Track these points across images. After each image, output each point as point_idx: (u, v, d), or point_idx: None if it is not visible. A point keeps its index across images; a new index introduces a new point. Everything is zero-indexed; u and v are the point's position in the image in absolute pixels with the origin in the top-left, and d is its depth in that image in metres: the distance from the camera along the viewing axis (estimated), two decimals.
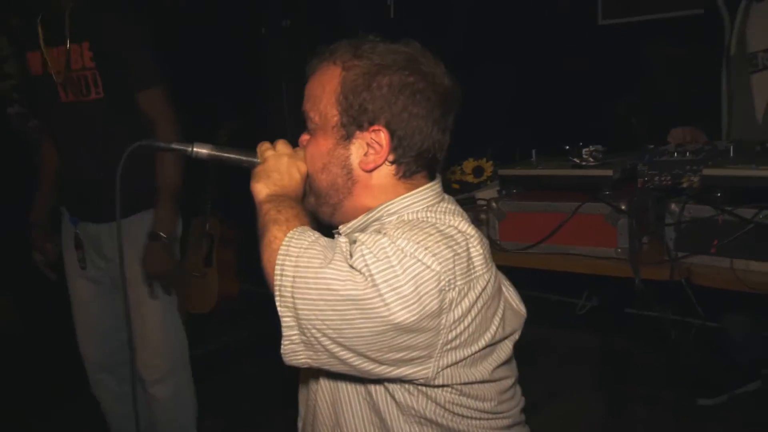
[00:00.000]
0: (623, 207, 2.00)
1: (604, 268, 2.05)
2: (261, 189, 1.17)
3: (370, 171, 1.16)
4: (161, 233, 2.18)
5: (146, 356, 2.32)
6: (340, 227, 1.23)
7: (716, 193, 1.90)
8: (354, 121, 1.13)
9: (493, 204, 2.21)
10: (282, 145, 1.23)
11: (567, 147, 2.28)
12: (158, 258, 2.19)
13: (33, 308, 4.01)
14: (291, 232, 1.04)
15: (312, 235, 1.05)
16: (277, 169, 1.19)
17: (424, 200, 1.18)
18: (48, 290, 3.79)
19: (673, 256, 1.93)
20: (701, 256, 1.90)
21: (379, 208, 1.17)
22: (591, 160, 2.16)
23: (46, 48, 2.11)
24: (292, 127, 4.06)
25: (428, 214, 1.15)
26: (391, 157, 1.14)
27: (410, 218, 1.14)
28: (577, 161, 2.17)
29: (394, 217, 1.16)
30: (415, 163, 1.16)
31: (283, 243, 1.03)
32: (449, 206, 1.20)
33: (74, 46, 2.08)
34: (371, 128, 1.13)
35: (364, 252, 1.00)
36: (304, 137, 1.23)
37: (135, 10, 2.13)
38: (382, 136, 1.13)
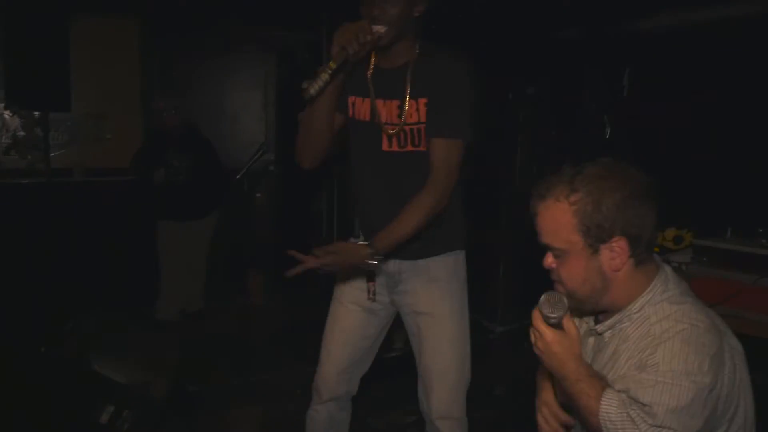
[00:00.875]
0: None
1: None
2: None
3: (618, 270, 1.45)
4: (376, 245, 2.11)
5: (442, 391, 2.26)
6: (598, 327, 1.53)
7: None
8: (597, 240, 1.42)
9: (683, 267, 2.59)
10: (548, 337, 1.42)
11: (760, 230, 2.60)
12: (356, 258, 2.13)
13: None
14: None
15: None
16: (560, 365, 1.43)
17: (660, 291, 1.46)
18: None
19: None
20: None
21: (630, 308, 1.46)
22: None
23: (376, 98, 2.16)
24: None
25: (672, 310, 1.42)
26: (631, 254, 1.43)
27: (661, 322, 1.41)
28: (765, 242, 2.48)
29: (643, 311, 1.46)
30: (646, 251, 1.47)
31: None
32: (677, 290, 1.47)
33: (411, 101, 2.11)
34: (611, 239, 1.42)
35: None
36: (551, 261, 1.50)
37: (464, 58, 2.13)
38: (622, 242, 1.42)
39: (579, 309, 1.54)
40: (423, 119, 2.12)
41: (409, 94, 2.09)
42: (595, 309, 1.54)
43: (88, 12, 4.68)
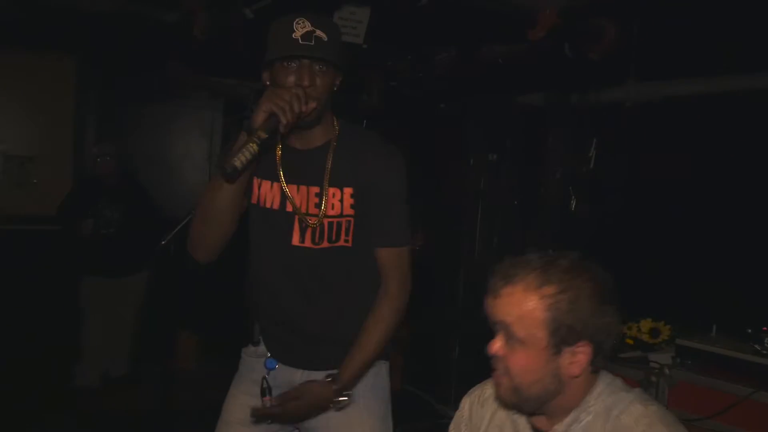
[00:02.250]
0: None
1: None
2: None
3: (575, 377, 1.33)
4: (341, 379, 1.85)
5: None
6: (555, 426, 1.37)
7: None
8: (563, 341, 1.30)
9: (666, 370, 2.34)
10: None
11: (749, 331, 2.38)
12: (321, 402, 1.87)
13: None
14: None
15: None
16: None
17: (610, 380, 1.38)
18: None
19: None
20: None
21: (585, 402, 1.35)
22: None
23: (288, 184, 1.85)
24: None
25: (632, 396, 1.34)
26: (591, 361, 1.32)
27: (629, 410, 1.32)
28: (758, 348, 2.26)
29: (602, 401, 1.35)
30: (604, 359, 1.34)
31: None
32: (618, 383, 1.39)
33: (333, 189, 1.83)
34: (578, 344, 1.30)
35: None
36: (499, 347, 1.35)
37: (396, 148, 1.90)
38: (587, 349, 1.30)
39: (517, 406, 1.39)
40: (347, 212, 1.84)
41: (330, 181, 1.82)
42: (536, 410, 1.39)
43: (23, 46, 4.38)
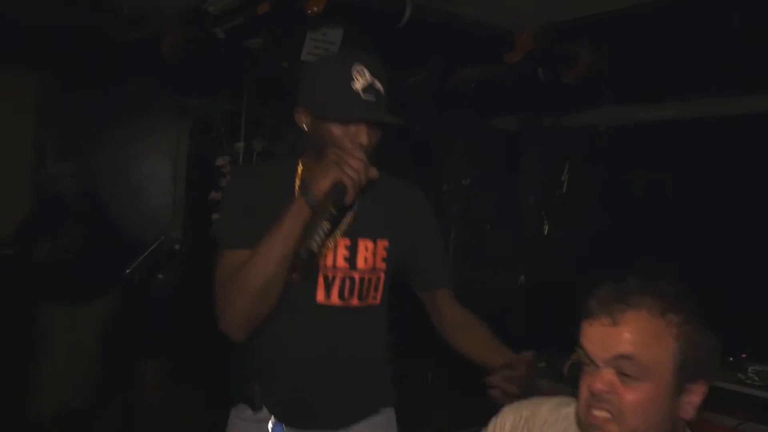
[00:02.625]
0: None
1: None
2: None
3: (688, 419, 1.19)
4: None
5: None
6: None
7: None
8: (688, 378, 1.15)
9: None
10: None
11: (731, 359, 2.35)
12: None
13: None
14: None
15: None
16: None
17: None
18: None
19: None
20: None
21: None
22: (756, 379, 2.21)
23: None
24: None
25: None
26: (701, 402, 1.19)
27: None
28: (742, 377, 2.22)
29: None
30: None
31: None
32: None
33: (366, 241, 1.70)
34: (699, 380, 1.17)
35: None
36: (610, 381, 1.16)
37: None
38: (705, 388, 1.18)
39: None
40: (379, 265, 1.70)
41: (362, 233, 1.68)
42: None
43: None
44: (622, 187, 3.80)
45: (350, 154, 1.47)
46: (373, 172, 1.51)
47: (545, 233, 4.00)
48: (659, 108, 3.60)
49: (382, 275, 1.72)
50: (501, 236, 4.13)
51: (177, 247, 5.00)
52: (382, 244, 1.71)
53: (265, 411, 1.75)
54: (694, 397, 1.16)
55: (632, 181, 3.75)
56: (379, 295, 1.73)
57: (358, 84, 1.48)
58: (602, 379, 1.16)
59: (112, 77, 4.41)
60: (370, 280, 1.70)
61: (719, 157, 3.41)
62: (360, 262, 1.68)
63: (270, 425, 1.74)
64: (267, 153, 4.54)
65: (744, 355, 2.40)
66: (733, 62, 3.25)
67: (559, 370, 2.92)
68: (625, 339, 1.15)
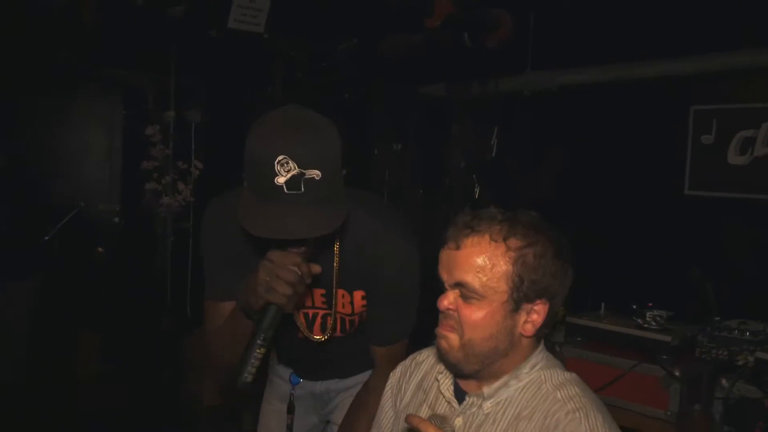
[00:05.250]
0: (677, 373, 2.16)
1: (651, 428, 2.18)
2: None
3: (528, 337, 1.28)
4: None
5: None
6: (484, 388, 1.31)
7: (767, 377, 2.03)
8: (524, 297, 1.24)
9: (557, 348, 2.41)
10: None
11: (634, 306, 2.48)
12: None
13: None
14: None
15: None
16: None
17: (547, 356, 1.34)
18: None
19: (718, 430, 2.05)
20: None
21: (519, 369, 1.29)
22: (653, 323, 2.34)
23: None
24: None
25: (568, 376, 1.30)
26: (544, 322, 1.27)
27: (565, 388, 1.27)
28: (640, 322, 2.35)
29: (535, 373, 1.30)
30: (551, 324, 1.30)
31: None
32: (556, 361, 1.37)
33: (343, 292, 1.70)
34: (538, 301, 1.25)
35: None
36: (451, 301, 1.28)
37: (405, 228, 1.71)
38: (545, 308, 1.26)
39: (458, 366, 1.30)
40: (357, 310, 1.72)
41: (339, 284, 1.66)
42: (478, 372, 1.30)
43: None
44: (549, 151, 3.91)
45: (281, 266, 1.39)
46: (316, 269, 1.46)
47: (476, 197, 4.09)
48: (581, 72, 3.69)
49: (365, 311, 1.73)
50: (433, 201, 4.21)
51: (116, 220, 4.95)
52: (359, 294, 1.71)
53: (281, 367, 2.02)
54: (535, 315, 1.26)
55: (558, 145, 3.86)
56: (364, 321, 1.77)
57: (282, 178, 1.32)
58: (448, 299, 1.28)
59: (38, 49, 4.31)
60: (351, 321, 1.75)
61: (638, 118, 3.53)
62: (339, 307, 1.71)
63: (288, 376, 1.99)
64: (205, 125, 4.53)
65: (649, 304, 2.52)
66: (652, 27, 3.36)
67: None
68: (462, 264, 1.26)
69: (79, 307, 4.52)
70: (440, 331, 1.31)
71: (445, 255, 1.29)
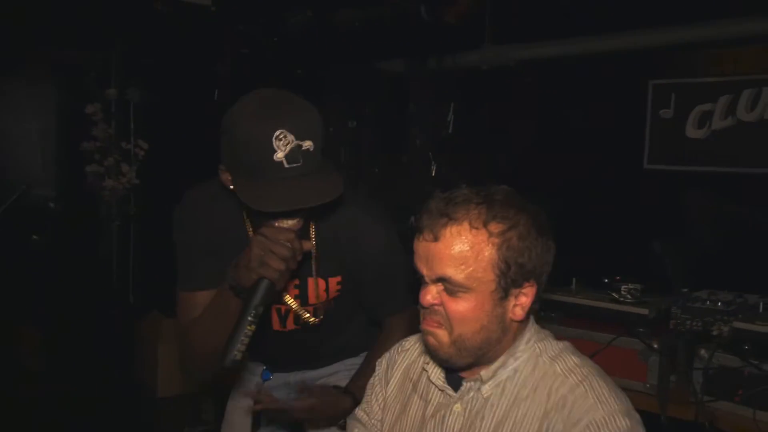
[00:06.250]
0: (655, 345, 2.15)
1: (632, 401, 2.16)
2: None
3: (519, 321, 1.22)
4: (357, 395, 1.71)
5: None
6: (482, 373, 1.25)
7: (744, 346, 2.04)
8: (512, 283, 1.17)
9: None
10: None
11: (606, 280, 2.46)
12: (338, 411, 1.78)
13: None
14: None
15: None
16: None
17: (538, 329, 1.29)
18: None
19: (699, 399, 2.05)
20: (726, 403, 2.03)
21: (511, 352, 1.24)
22: (629, 297, 2.33)
23: None
24: None
25: (561, 346, 1.27)
26: (534, 303, 1.22)
27: (561, 359, 1.24)
28: (616, 296, 2.33)
29: (531, 346, 1.25)
30: (539, 301, 1.24)
31: None
32: (546, 332, 1.31)
33: (318, 280, 1.69)
34: (526, 284, 1.19)
35: None
36: (434, 296, 1.20)
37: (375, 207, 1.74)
38: (533, 290, 1.20)
39: (451, 361, 1.24)
40: (333, 295, 1.72)
41: (317, 273, 1.66)
42: (472, 363, 1.25)
43: None
44: (507, 126, 3.88)
45: (275, 241, 1.39)
46: (308, 245, 1.48)
47: (433, 174, 4.03)
48: (539, 47, 3.67)
49: (338, 295, 1.74)
50: (390, 178, 4.13)
51: (52, 205, 4.70)
52: (335, 280, 1.70)
53: (262, 366, 1.94)
54: (523, 298, 1.20)
55: (517, 119, 3.83)
56: (338, 304, 1.76)
57: (281, 153, 1.33)
58: (431, 293, 1.20)
59: None
60: (326, 305, 1.74)
61: (596, 93, 3.53)
62: (311, 299, 1.70)
63: (259, 372, 1.94)
64: (149, 103, 4.31)
65: (618, 278, 2.50)
66: (609, 0, 3.35)
67: None
68: (443, 257, 1.17)
69: (15, 299, 4.28)
70: (426, 327, 1.23)
71: (423, 247, 1.20)
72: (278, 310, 1.72)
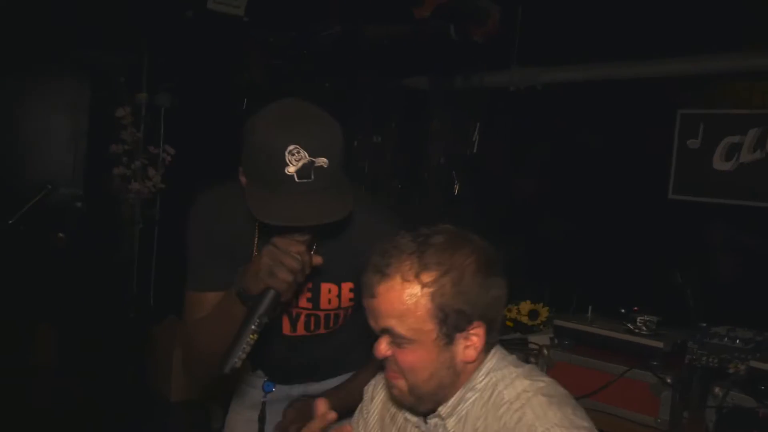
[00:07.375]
0: (669, 380, 2.11)
1: None
2: None
3: (471, 362, 1.23)
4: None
5: None
6: (442, 410, 1.26)
7: (761, 386, 2.00)
8: (455, 328, 1.19)
9: (545, 351, 2.34)
10: None
11: (623, 310, 2.43)
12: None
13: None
14: None
15: None
16: None
17: (501, 356, 1.28)
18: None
19: None
20: None
21: (473, 379, 1.24)
22: (644, 328, 2.29)
23: None
24: None
25: (520, 371, 1.25)
26: (486, 341, 1.22)
27: (513, 384, 1.22)
28: (631, 327, 2.30)
29: (490, 377, 1.25)
30: (497, 335, 1.25)
31: None
32: (510, 358, 1.31)
33: (330, 285, 1.68)
34: (470, 327, 1.20)
35: None
36: (385, 348, 1.23)
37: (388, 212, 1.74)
38: (481, 330, 1.21)
39: (414, 406, 1.29)
40: (345, 304, 1.70)
41: (324, 277, 1.63)
42: (434, 407, 1.28)
43: None
44: (532, 148, 3.85)
45: (286, 252, 1.38)
46: (317, 260, 1.46)
47: (455, 193, 4.02)
48: (567, 70, 3.65)
49: (350, 310, 1.72)
50: (411, 195, 4.13)
51: (79, 204, 4.77)
52: (347, 286, 1.68)
53: (258, 371, 1.93)
54: (474, 338, 1.21)
55: (541, 142, 3.81)
56: (348, 319, 1.74)
57: (292, 167, 1.31)
58: (382, 346, 1.24)
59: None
60: (336, 316, 1.72)
61: (624, 120, 3.50)
62: (323, 304, 1.69)
63: (260, 384, 1.91)
64: (177, 109, 4.36)
65: (636, 309, 2.47)
66: (641, 27, 3.32)
67: None
68: (383, 312, 1.20)
69: (35, 295, 4.34)
70: (388, 378, 1.29)
71: (366, 303, 1.25)
72: (289, 314, 1.71)
